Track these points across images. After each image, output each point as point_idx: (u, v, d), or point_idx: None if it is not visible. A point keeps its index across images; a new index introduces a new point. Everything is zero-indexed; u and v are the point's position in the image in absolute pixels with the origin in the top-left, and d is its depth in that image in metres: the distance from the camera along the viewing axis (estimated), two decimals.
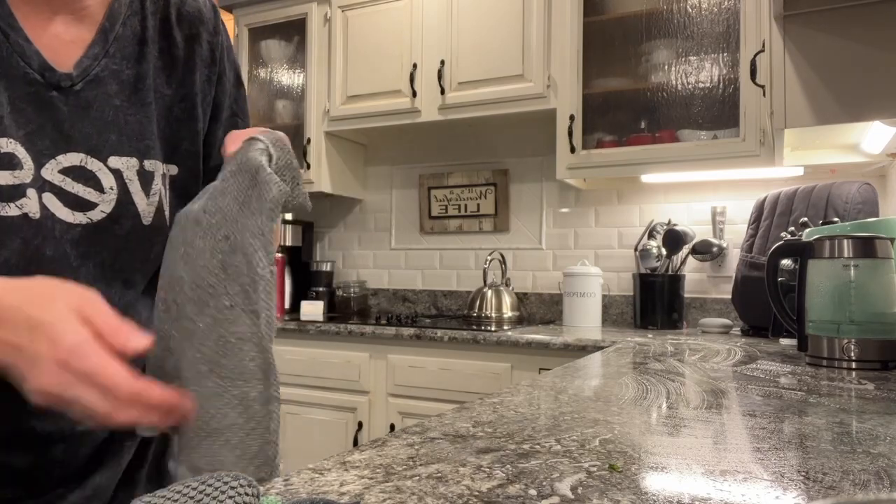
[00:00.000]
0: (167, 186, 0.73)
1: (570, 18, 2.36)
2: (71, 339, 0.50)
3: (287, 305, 2.96)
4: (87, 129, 0.66)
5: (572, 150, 2.34)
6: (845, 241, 1.27)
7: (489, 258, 2.66)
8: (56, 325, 0.50)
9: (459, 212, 2.91)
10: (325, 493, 0.50)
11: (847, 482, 0.54)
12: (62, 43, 0.66)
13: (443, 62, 2.53)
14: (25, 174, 0.62)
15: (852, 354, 1.24)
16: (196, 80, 0.75)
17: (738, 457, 0.62)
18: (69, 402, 0.50)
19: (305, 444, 2.35)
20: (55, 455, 0.69)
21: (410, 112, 2.59)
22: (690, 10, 2.25)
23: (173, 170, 0.74)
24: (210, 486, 0.42)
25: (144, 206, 0.70)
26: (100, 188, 0.67)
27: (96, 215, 0.67)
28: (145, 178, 0.70)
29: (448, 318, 2.74)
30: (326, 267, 3.05)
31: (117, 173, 0.68)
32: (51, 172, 0.64)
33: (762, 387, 1.03)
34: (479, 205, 2.87)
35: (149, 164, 0.70)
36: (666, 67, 2.29)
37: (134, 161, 0.69)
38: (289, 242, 3.03)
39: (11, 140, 0.61)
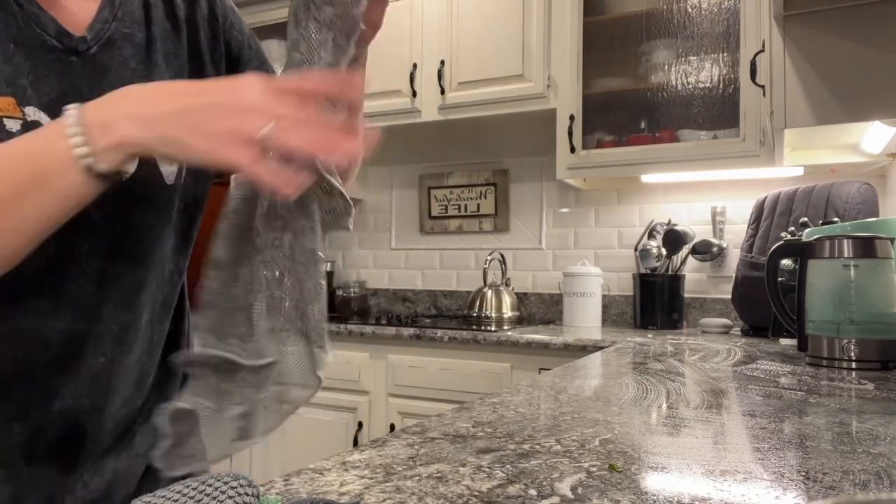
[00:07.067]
0: None
1: (570, 18, 2.36)
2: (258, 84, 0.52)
3: None
4: (105, 92, 0.68)
5: (572, 150, 2.34)
6: (845, 241, 1.27)
7: (489, 258, 2.66)
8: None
9: (459, 212, 2.91)
10: (325, 493, 0.50)
11: (847, 482, 0.54)
12: (71, 14, 0.67)
13: (443, 62, 2.53)
14: None
15: (852, 354, 1.24)
16: (201, 38, 0.78)
17: (738, 457, 0.62)
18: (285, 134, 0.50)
19: (305, 444, 2.35)
20: (86, 428, 0.70)
21: (410, 112, 2.59)
22: (690, 10, 2.25)
23: None
24: (210, 486, 0.42)
25: (166, 166, 0.71)
26: None
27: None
28: None
29: (448, 318, 2.74)
30: (326, 267, 3.04)
31: None
32: None
33: (762, 387, 1.03)
34: (479, 205, 2.87)
35: None
36: (666, 67, 2.29)
37: None
38: None
39: (36, 109, 0.63)
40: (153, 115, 0.52)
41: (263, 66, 0.85)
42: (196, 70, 0.77)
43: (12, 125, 0.61)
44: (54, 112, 0.63)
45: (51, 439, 0.68)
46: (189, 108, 0.52)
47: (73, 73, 0.66)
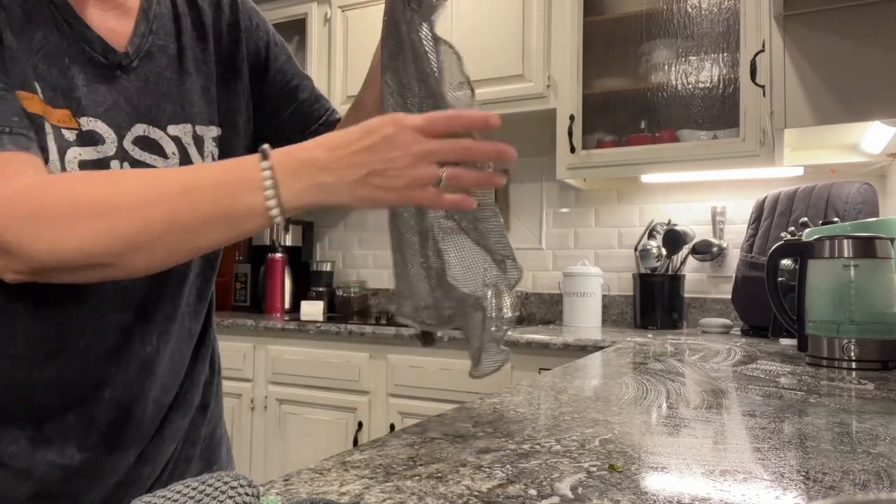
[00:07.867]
0: (216, 146, 0.82)
1: (570, 18, 2.36)
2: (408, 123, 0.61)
3: (287, 305, 2.96)
4: (147, 102, 0.74)
5: (572, 149, 2.34)
6: (845, 241, 1.27)
7: None
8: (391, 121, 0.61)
9: None
10: (325, 493, 0.50)
11: (847, 482, 0.54)
12: (112, 32, 0.73)
13: None
14: (108, 148, 0.69)
15: (852, 354, 1.24)
16: (224, 43, 0.84)
17: (738, 457, 0.62)
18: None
19: (305, 444, 2.35)
20: (135, 414, 0.75)
21: None
22: (690, 10, 2.25)
23: (217, 131, 0.82)
24: (210, 486, 0.42)
25: None
26: (163, 154, 0.74)
27: None
28: (199, 142, 0.78)
29: None
30: (326, 267, 3.05)
31: (176, 139, 0.76)
32: (127, 143, 0.71)
33: (762, 387, 1.03)
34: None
35: (199, 129, 0.79)
36: (666, 67, 2.29)
37: (188, 127, 0.77)
38: (289, 243, 3.02)
39: (92, 118, 0.69)
40: (343, 184, 0.60)
41: (290, 60, 0.92)
42: (222, 74, 0.83)
43: (69, 135, 0.67)
44: (110, 119, 0.70)
45: (101, 426, 0.72)
46: (372, 172, 0.59)
47: (120, 84, 0.72)
